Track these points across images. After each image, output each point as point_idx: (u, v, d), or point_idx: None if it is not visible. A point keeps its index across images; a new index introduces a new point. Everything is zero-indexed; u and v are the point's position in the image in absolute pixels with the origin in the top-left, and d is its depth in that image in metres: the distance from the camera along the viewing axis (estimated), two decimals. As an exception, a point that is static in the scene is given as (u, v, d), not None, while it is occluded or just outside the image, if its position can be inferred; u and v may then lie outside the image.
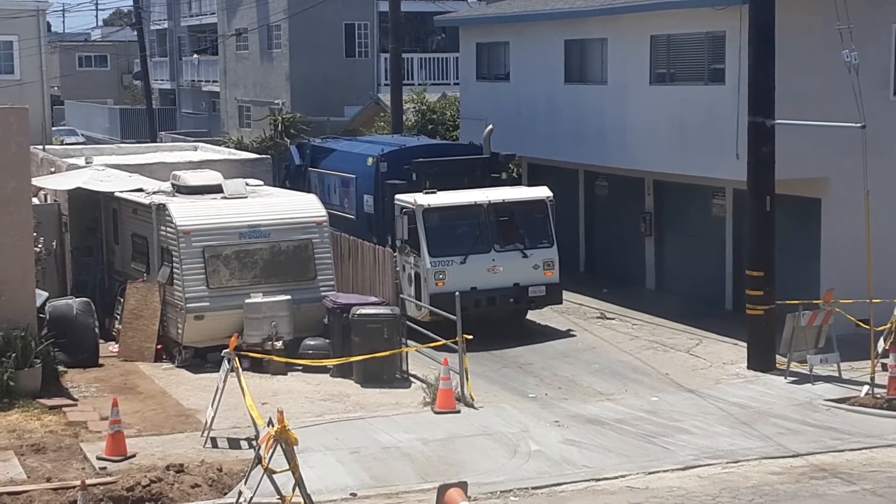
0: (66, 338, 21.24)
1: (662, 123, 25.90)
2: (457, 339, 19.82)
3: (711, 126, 24.39)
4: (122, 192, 24.77)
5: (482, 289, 23.89)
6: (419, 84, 44.60)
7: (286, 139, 42.95)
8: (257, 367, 21.21)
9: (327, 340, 22.12)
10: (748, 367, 21.62)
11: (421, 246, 23.84)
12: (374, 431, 17.83)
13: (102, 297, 25.00)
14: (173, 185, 24.58)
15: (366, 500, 15.09)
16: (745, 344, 22.04)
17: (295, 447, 13.21)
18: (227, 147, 38.18)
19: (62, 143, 50.07)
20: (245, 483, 13.97)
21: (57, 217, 26.20)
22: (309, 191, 27.29)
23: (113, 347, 23.36)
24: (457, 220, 24.45)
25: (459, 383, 19.46)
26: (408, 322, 22.05)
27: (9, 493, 14.88)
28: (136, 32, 57.16)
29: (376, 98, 44.60)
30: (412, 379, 21.09)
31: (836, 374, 20.88)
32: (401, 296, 23.81)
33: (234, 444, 17.20)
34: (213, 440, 17.23)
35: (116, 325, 23.84)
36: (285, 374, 21.33)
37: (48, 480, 15.40)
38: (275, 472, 13.42)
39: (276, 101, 49.33)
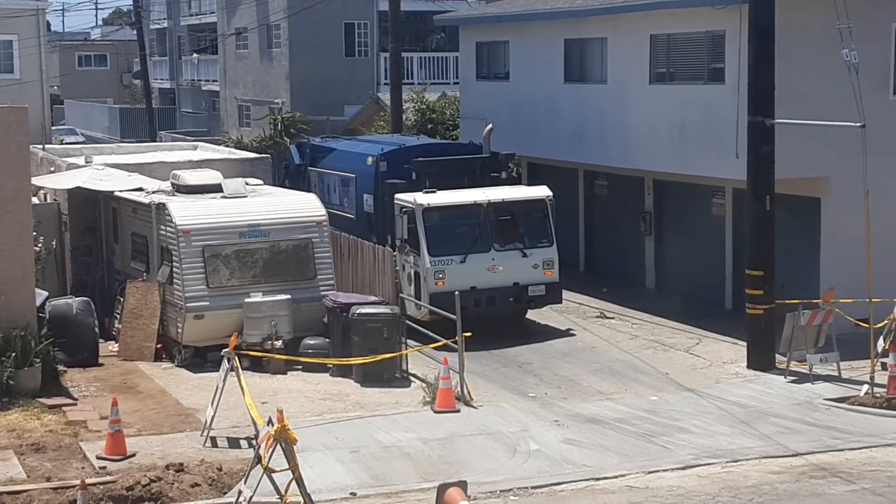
0: (65, 337, 21.23)
1: (662, 123, 25.90)
2: (456, 338, 19.82)
3: (711, 125, 24.40)
4: (121, 191, 24.77)
5: (482, 288, 23.89)
6: (419, 83, 44.60)
7: (286, 138, 42.96)
8: (257, 366, 21.23)
9: (327, 340, 22.12)
10: (748, 367, 21.63)
11: (421, 245, 23.84)
12: (373, 431, 17.83)
13: (102, 296, 25.00)
14: (173, 184, 24.58)
15: (365, 500, 15.09)
16: (744, 343, 22.04)
17: (294, 446, 13.21)
18: (227, 146, 38.20)
19: (62, 143, 50.07)
20: (245, 482, 13.97)
21: (57, 216, 26.20)
22: (309, 190, 27.27)
23: (113, 347, 23.36)
24: (456, 220, 24.45)
25: (459, 383, 19.47)
26: (407, 321, 22.05)
27: (8, 493, 14.88)
28: (135, 32, 57.17)
29: (376, 97, 44.60)
30: (412, 378, 21.10)
31: (836, 374, 20.89)
32: (400, 295, 23.81)
33: (233, 443, 17.21)
34: (213, 439, 17.24)
35: (116, 325, 23.83)
36: (285, 373, 21.34)
37: (48, 480, 15.40)
38: (274, 472, 13.42)
39: (275, 101, 49.33)
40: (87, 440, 17.18)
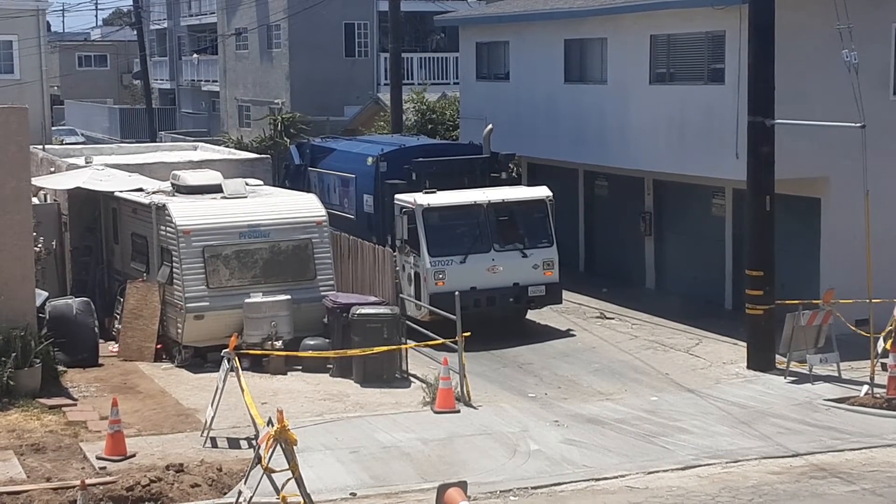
0: (65, 337, 21.22)
1: (662, 123, 25.90)
2: (456, 338, 19.82)
3: (711, 126, 24.40)
4: (121, 191, 24.77)
5: (482, 288, 23.89)
6: (419, 84, 44.59)
7: (286, 139, 42.96)
8: (257, 366, 21.23)
9: (327, 340, 22.12)
10: (748, 367, 21.62)
11: (421, 245, 23.84)
12: (373, 431, 17.83)
13: (102, 296, 25.01)
14: (173, 184, 24.58)
15: (365, 500, 15.08)
16: (744, 343, 22.04)
17: (294, 447, 13.21)
18: (227, 147, 38.19)
19: (62, 143, 50.07)
20: (245, 483, 13.97)
21: (57, 217, 26.20)
22: (309, 190, 27.28)
23: (113, 347, 23.36)
24: (456, 220, 24.44)
25: (459, 383, 19.47)
26: (407, 322, 22.05)
27: (8, 493, 14.87)
28: (135, 32, 57.18)
29: (376, 98, 44.60)
30: (412, 378, 21.09)
31: (836, 374, 20.89)
32: (400, 295, 23.81)
33: (233, 443, 17.20)
34: (213, 440, 17.23)
35: (116, 325, 23.83)
36: (285, 373, 21.34)
37: (48, 480, 15.39)
38: (274, 472, 13.41)
39: (275, 101, 49.33)
40: (87, 440, 17.18)
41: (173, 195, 23.97)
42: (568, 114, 29.10)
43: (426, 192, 24.36)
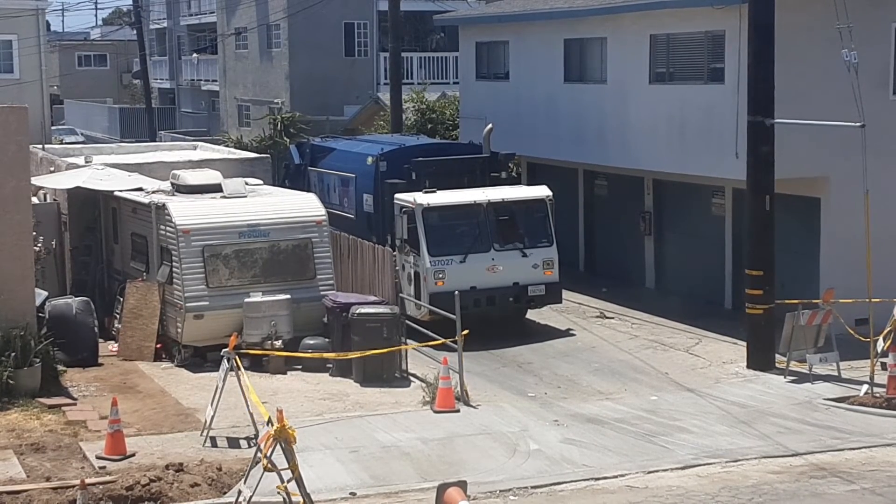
0: (65, 337, 21.22)
1: (662, 123, 25.90)
2: (456, 338, 19.82)
3: (711, 125, 24.39)
4: (121, 191, 24.77)
5: (482, 288, 23.89)
6: (419, 83, 44.59)
7: (286, 138, 42.96)
8: (257, 366, 21.23)
9: (327, 339, 22.13)
10: (747, 367, 21.62)
11: (420, 245, 23.84)
12: (373, 430, 17.83)
13: (102, 296, 25.01)
14: (173, 184, 24.58)
15: (365, 500, 15.08)
16: (744, 343, 22.04)
17: (294, 446, 13.21)
18: (227, 146, 38.20)
19: (62, 143, 50.11)
20: (245, 482, 13.97)
21: (56, 216, 26.20)
22: (309, 190, 27.29)
23: (112, 346, 23.36)
24: (456, 220, 24.45)
25: (459, 382, 19.47)
26: (407, 321, 22.05)
27: (8, 493, 14.87)
28: (135, 32, 57.17)
29: (376, 97, 44.60)
30: (411, 378, 21.09)
31: (836, 374, 20.89)
32: (400, 295, 23.81)
33: (233, 443, 17.20)
34: (213, 439, 17.23)
35: (116, 325, 23.83)
36: (285, 373, 21.34)
37: (48, 480, 15.39)
38: (274, 471, 13.40)
39: (275, 101, 49.33)
40: (86, 440, 17.18)
41: (173, 195, 23.97)
42: (568, 113, 29.10)
43: (426, 192, 24.35)
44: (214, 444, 17.11)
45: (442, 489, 12.75)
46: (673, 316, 25.51)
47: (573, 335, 24.67)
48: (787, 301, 21.40)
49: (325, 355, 20.89)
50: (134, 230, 24.15)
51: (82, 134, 67.57)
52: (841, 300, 21.23)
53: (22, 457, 16.41)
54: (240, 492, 13.95)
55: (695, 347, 23.35)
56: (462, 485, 12.86)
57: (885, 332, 20.22)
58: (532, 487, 15.48)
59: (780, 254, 22.33)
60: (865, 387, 19.86)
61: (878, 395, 19.46)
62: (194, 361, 22.08)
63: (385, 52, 43.91)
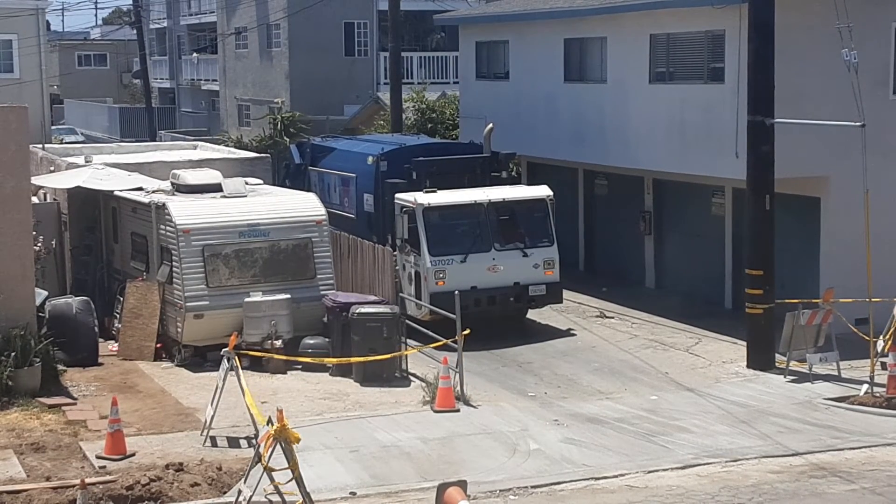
0: (65, 337, 21.20)
1: (662, 122, 25.90)
2: (456, 337, 19.82)
3: (711, 125, 24.39)
4: (121, 190, 24.77)
5: (482, 288, 23.89)
6: (419, 83, 44.59)
7: (286, 138, 42.96)
8: (257, 366, 21.23)
9: (327, 339, 22.13)
10: (747, 366, 21.63)
11: (421, 245, 23.84)
12: (373, 430, 17.83)
13: (102, 295, 25.01)
14: (173, 183, 24.58)
15: (365, 499, 15.08)
16: (744, 343, 22.04)
17: (294, 446, 13.20)
18: (227, 146, 38.19)
19: (62, 142, 50.07)
20: (245, 482, 13.97)
21: (56, 216, 26.20)
22: (309, 190, 27.29)
23: (112, 346, 23.36)
24: (457, 219, 24.46)
25: (458, 382, 19.47)
26: (407, 321, 22.04)
27: (8, 492, 14.87)
28: (135, 31, 57.12)
29: (376, 97, 44.61)
30: (411, 378, 21.09)
31: (836, 373, 20.89)
32: (400, 294, 23.81)
33: (233, 442, 17.21)
34: (213, 439, 17.23)
35: (116, 324, 23.83)
36: (285, 372, 21.34)
37: (48, 479, 15.39)
38: (274, 471, 13.41)
39: (275, 100, 49.32)
40: (86, 440, 17.18)
41: (173, 194, 23.97)
42: (568, 113, 29.10)
43: (427, 192, 24.35)
44: (214, 444, 17.11)
45: (442, 489, 12.75)
46: (673, 316, 25.51)
47: (573, 335, 24.66)
48: (787, 301, 21.40)
49: (326, 360, 20.87)
50: (134, 230, 24.15)
51: (82, 133, 67.57)
52: (841, 300, 21.23)
53: (22, 456, 16.41)
54: (240, 491, 13.95)
55: (695, 347, 23.35)
56: (462, 484, 12.86)
57: (888, 332, 20.19)
58: (532, 487, 15.48)
59: (780, 254, 22.33)
60: (865, 386, 19.86)
61: (878, 394, 19.46)
62: (194, 361, 22.08)
63: (385, 52, 43.92)
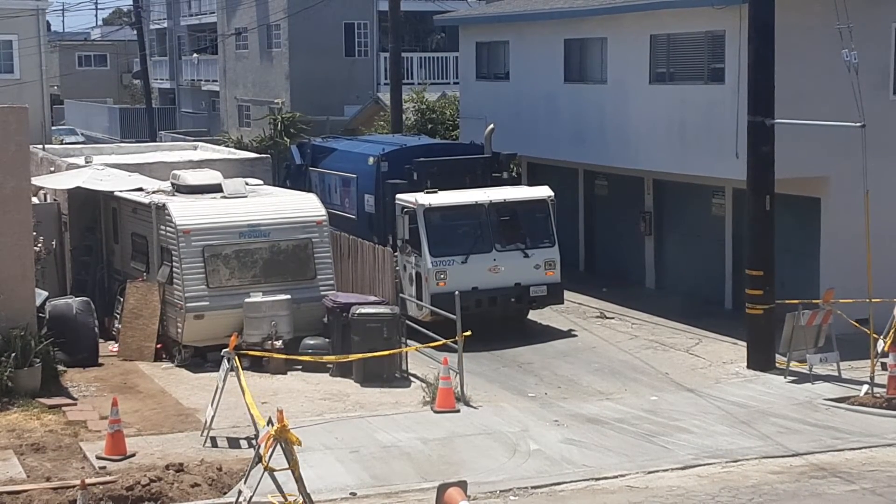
0: (65, 337, 21.21)
1: (662, 123, 25.90)
2: (456, 338, 19.82)
3: (711, 125, 24.40)
4: (121, 191, 24.77)
5: (483, 288, 23.88)
6: (419, 83, 44.60)
7: (286, 138, 42.96)
8: (257, 366, 21.23)
9: (327, 340, 22.13)
10: (748, 367, 21.63)
11: (422, 245, 23.83)
12: (373, 430, 17.83)
13: (102, 296, 25.00)
14: (173, 184, 24.58)
15: (365, 500, 15.08)
16: (744, 343, 22.04)
17: (295, 447, 13.20)
18: (227, 146, 38.19)
19: (62, 143, 50.08)
20: (245, 482, 13.97)
21: (56, 216, 26.20)
22: (309, 190, 27.27)
23: (112, 347, 23.36)
24: (458, 220, 24.44)
25: (459, 383, 19.47)
26: (408, 321, 22.04)
27: (8, 493, 14.88)
28: (135, 32, 57.17)
29: (376, 97, 44.60)
30: (412, 378, 21.09)
31: (836, 374, 20.89)
32: (401, 295, 23.81)
33: (233, 443, 17.21)
34: (213, 439, 17.23)
35: (116, 325, 23.83)
36: (285, 373, 21.34)
37: (48, 480, 15.39)
38: (275, 471, 13.41)
39: (275, 101, 49.33)
40: (87, 440, 17.18)
41: (173, 195, 23.97)
42: (568, 113, 29.11)
43: (427, 192, 24.35)
44: (215, 444, 17.11)
45: (442, 489, 12.75)
46: (673, 316, 25.51)
47: (573, 335, 24.66)
48: (787, 301, 21.41)
49: (326, 359, 20.87)
50: (134, 230, 24.16)
51: (82, 134, 67.57)
52: (841, 300, 21.23)
53: (22, 457, 16.42)
54: (240, 492, 13.94)
55: (695, 347, 23.35)
56: (462, 485, 12.86)
57: (890, 336, 20.17)
58: (532, 487, 15.48)
59: (780, 254, 22.33)
60: (865, 387, 19.86)
61: (878, 395, 19.46)
62: (194, 361, 22.08)
63: (385, 52, 43.93)
